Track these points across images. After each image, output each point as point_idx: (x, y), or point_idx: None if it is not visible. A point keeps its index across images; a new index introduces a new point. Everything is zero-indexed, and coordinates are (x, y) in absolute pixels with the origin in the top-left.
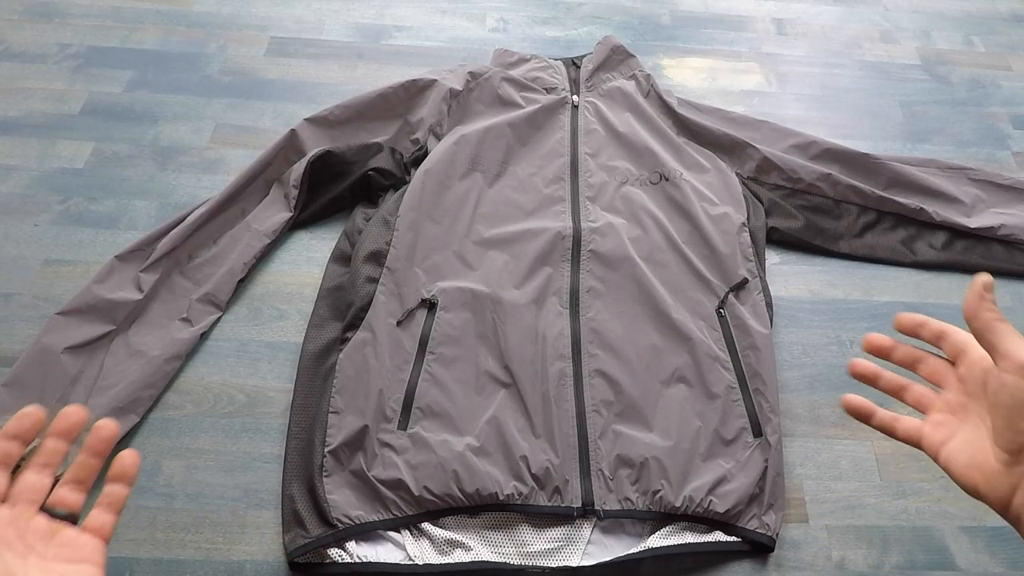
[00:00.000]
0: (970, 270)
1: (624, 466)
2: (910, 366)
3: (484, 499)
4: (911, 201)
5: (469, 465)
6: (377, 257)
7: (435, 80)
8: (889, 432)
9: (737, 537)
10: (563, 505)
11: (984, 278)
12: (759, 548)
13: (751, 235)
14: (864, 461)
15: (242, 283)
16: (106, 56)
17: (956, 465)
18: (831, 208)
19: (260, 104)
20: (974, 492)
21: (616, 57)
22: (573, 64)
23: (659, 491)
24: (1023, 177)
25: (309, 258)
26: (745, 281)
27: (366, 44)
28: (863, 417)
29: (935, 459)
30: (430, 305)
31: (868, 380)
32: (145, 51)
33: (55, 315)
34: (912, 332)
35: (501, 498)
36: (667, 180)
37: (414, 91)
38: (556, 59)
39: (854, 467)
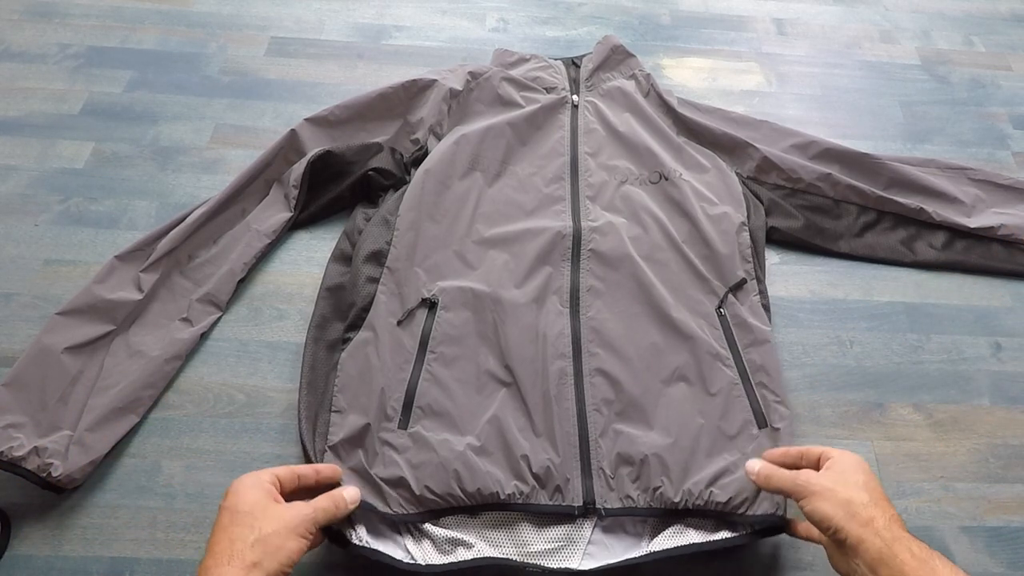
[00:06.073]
0: (970, 270)
1: (625, 464)
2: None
3: (485, 498)
4: (911, 201)
5: (470, 464)
6: (377, 257)
7: (435, 80)
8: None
9: (741, 529)
10: (564, 504)
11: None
12: (767, 534)
13: (751, 235)
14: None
15: (242, 283)
16: (106, 56)
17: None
18: (831, 208)
19: (260, 104)
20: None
21: (616, 57)
22: (573, 64)
23: (659, 487)
24: (1023, 177)
25: (309, 258)
26: (743, 281)
27: (366, 44)
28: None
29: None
30: (430, 304)
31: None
32: (145, 51)
33: (55, 315)
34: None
35: (502, 497)
36: (667, 180)
37: (414, 91)
38: (556, 59)
39: None
